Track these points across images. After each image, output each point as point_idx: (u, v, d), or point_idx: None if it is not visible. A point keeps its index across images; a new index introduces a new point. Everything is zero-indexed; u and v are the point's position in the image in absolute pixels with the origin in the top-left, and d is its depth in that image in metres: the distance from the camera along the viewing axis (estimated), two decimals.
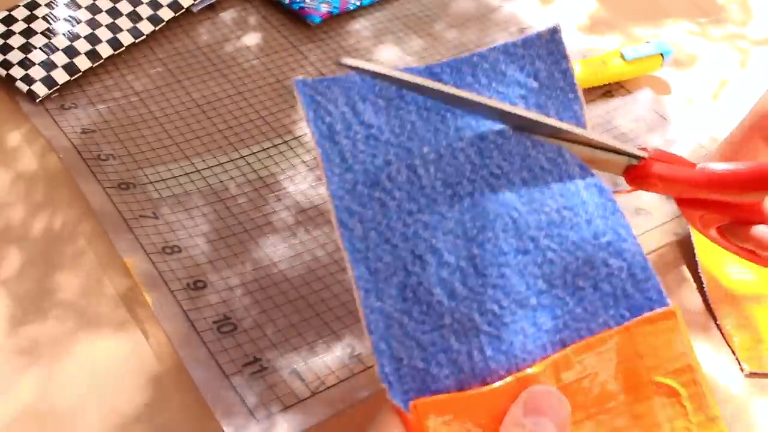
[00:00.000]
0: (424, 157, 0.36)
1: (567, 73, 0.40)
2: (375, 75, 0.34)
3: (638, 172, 0.39)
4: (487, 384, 0.33)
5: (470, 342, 0.33)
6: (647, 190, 0.40)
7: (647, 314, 0.34)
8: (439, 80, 0.38)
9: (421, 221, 0.35)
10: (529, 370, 0.33)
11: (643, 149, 0.39)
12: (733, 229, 0.40)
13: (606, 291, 0.35)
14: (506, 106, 0.36)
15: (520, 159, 0.37)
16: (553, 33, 0.40)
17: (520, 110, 0.36)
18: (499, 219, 0.35)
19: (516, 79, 0.39)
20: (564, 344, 0.34)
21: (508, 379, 0.32)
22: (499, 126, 0.37)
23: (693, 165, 0.39)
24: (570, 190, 0.36)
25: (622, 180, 0.40)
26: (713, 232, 0.42)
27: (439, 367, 0.33)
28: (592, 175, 0.37)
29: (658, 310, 0.35)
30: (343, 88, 0.37)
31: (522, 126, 0.37)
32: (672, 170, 0.38)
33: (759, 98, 0.44)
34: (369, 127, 0.36)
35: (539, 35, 0.40)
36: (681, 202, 0.41)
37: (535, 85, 0.39)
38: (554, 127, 0.37)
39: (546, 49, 0.40)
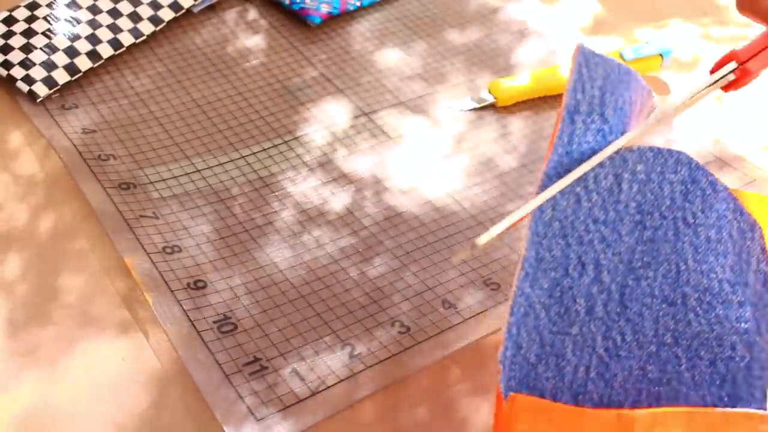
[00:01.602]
0: (635, 174, 0.36)
1: None
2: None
3: (738, 81, 0.41)
4: (578, 401, 0.33)
5: (582, 358, 0.34)
6: (745, 86, 0.41)
7: (750, 410, 0.34)
8: None
9: (601, 233, 0.35)
10: (632, 411, 0.33)
11: (727, 58, 0.40)
12: None
13: (720, 371, 0.35)
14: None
15: (717, 217, 0.37)
16: None
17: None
18: (666, 264, 0.35)
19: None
20: (659, 398, 0.34)
21: (611, 412, 0.33)
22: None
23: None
24: (742, 270, 0.36)
25: None
26: None
27: (546, 367, 0.34)
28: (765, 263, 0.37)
29: (759, 412, 0.35)
30: (605, 71, 0.38)
31: None
32: (764, 58, 0.39)
33: None
34: (605, 121, 0.37)
35: None
36: None
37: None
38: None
39: None
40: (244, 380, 0.45)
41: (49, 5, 0.66)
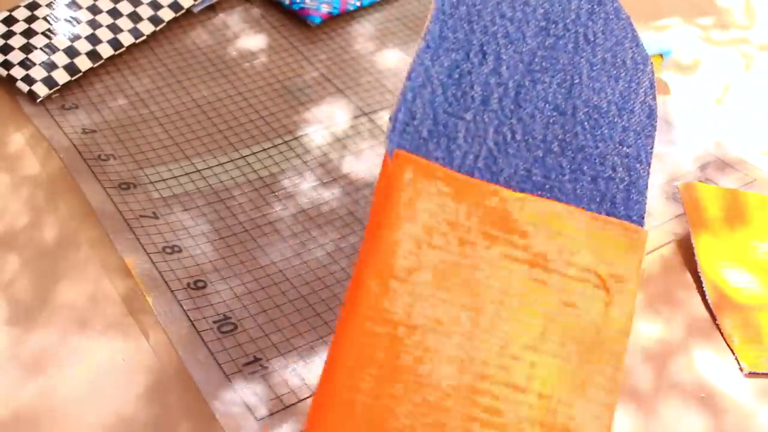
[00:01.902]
0: None
1: None
2: None
3: None
4: None
5: (473, 146, 0.35)
6: None
7: (623, 221, 0.36)
8: None
9: (506, 28, 0.36)
10: (513, 193, 0.34)
11: None
12: None
13: (600, 188, 0.36)
14: None
15: (615, 42, 0.38)
16: None
17: None
18: (562, 73, 0.37)
19: None
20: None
21: (492, 186, 0.34)
22: None
23: None
24: (630, 98, 0.38)
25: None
26: None
27: (437, 146, 0.34)
28: (654, 100, 0.39)
29: (635, 225, 0.36)
30: None
31: None
32: None
33: None
34: None
35: None
36: None
37: None
38: None
39: None
40: (244, 380, 0.45)
41: (49, 5, 0.66)
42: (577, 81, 0.37)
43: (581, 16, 0.38)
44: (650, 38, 0.74)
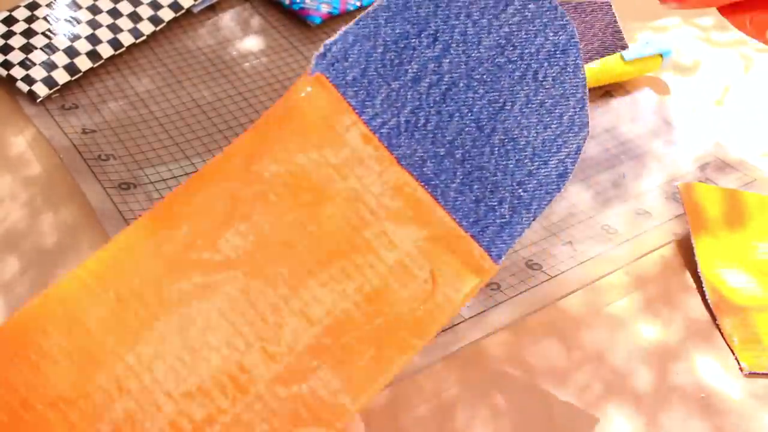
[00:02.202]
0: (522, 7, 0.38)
1: None
2: None
3: None
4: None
5: (385, 113, 0.36)
6: (687, 8, 0.40)
7: (480, 246, 0.37)
8: None
9: (466, 28, 0.37)
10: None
11: None
12: None
13: (478, 212, 0.37)
14: None
15: (562, 94, 0.38)
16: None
17: None
18: (497, 94, 0.37)
19: None
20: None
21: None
22: None
23: None
24: (550, 150, 0.37)
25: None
26: None
27: (354, 96, 0.36)
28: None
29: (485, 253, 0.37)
30: None
31: None
32: None
33: None
34: None
35: None
36: (724, 11, 0.41)
37: None
38: None
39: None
40: None
41: (49, 5, 0.66)
42: (507, 108, 0.37)
43: (540, 53, 0.37)
44: (650, 38, 0.74)
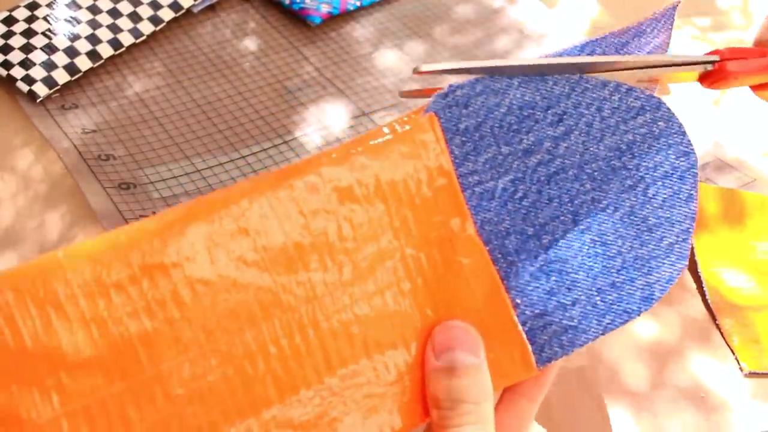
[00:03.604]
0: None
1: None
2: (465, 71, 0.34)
3: (715, 76, 0.40)
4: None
5: (484, 172, 0.34)
6: (724, 88, 0.41)
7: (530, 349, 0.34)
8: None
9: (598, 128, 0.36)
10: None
11: (714, 52, 0.40)
12: None
13: (546, 309, 0.34)
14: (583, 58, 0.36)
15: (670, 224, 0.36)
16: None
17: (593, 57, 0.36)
18: (614, 209, 0.35)
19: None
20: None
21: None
22: None
23: (764, 53, 0.39)
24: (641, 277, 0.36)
25: None
26: None
27: (460, 145, 0.34)
28: None
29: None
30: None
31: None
32: (747, 65, 0.39)
33: None
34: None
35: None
36: (757, 89, 0.42)
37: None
38: (614, 62, 0.37)
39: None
40: None
41: (49, 5, 0.66)
42: (609, 211, 0.35)
43: (657, 171, 0.36)
44: None
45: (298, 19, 0.73)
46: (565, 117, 0.35)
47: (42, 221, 0.54)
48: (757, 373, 0.49)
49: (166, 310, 0.29)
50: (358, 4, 0.74)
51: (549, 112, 0.35)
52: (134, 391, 0.29)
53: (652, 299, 0.35)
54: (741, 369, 0.49)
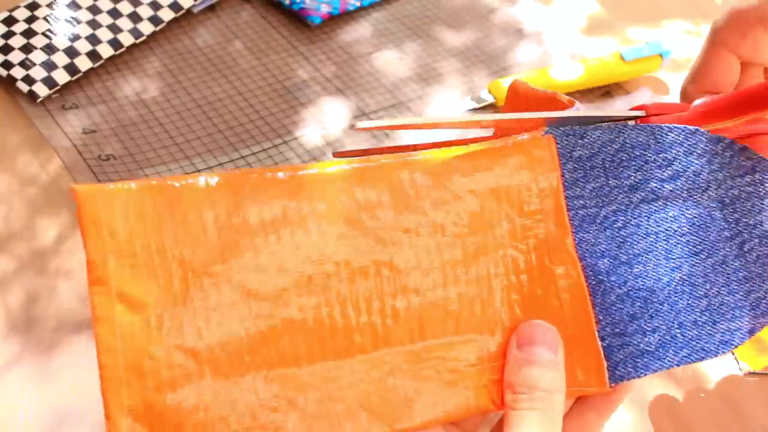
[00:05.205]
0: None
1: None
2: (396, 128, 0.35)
3: None
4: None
5: (589, 199, 0.36)
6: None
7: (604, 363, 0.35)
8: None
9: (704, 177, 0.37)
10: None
11: (639, 107, 0.40)
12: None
13: (626, 332, 0.36)
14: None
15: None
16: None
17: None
18: (706, 255, 0.37)
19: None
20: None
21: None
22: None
23: (686, 107, 0.39)
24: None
25: None
26: None
27: (572, 169, 0.36)
28: None
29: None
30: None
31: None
32: (670, 120, 0.39)
33: (714, 20, 0.45)
34: None
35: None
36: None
37: None
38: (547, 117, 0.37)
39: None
40: None
41: (49, 5, 0.66)
42: (702, 257, 0.36)
43: (756, 229, 0.37)
44: (650, 39, 0.74)
45: (298, 19, 0.73)
46: (674, 162, 0.36)
47: (42, 221, 0.54)
48: (757, 373, 0.49)
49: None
50: (358, 4, 0.74)
51: (660, 155, 0.36)
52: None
53: (732, 344, 0.36)
54: (741, 369, 0.49)
